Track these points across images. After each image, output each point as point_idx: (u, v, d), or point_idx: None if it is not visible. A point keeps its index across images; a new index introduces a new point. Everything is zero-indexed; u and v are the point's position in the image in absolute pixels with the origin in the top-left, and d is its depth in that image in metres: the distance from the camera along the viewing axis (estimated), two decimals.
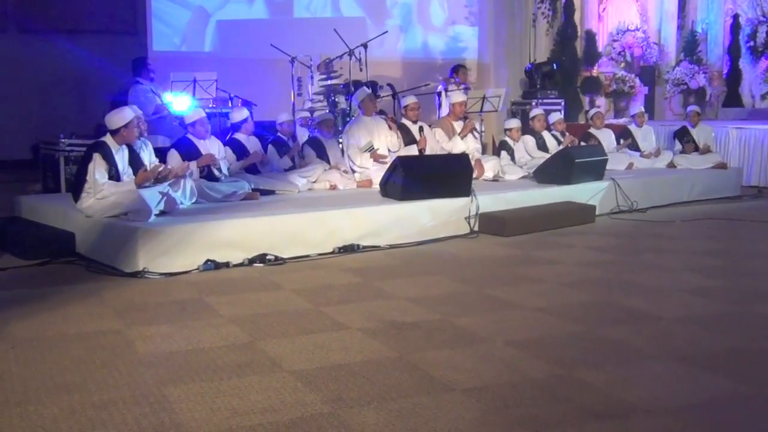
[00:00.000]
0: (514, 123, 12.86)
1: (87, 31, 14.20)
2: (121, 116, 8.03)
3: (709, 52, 20.38)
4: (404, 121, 11.64)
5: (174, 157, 9.14)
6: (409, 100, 11.74)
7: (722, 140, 15.07)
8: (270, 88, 14.56)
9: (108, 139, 8.00)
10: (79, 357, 5.03)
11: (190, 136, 9.53)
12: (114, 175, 7.89)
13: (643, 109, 14.73)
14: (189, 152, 9.30)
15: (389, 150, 11.13)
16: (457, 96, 12.35)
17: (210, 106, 12.00)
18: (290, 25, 16.63)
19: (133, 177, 8.00)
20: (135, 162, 8.27)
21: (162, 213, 8.01)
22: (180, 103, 10.85)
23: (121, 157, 8.06)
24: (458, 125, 12.09)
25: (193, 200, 8.78)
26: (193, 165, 9.11)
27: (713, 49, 20.39)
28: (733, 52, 20.27)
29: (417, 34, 18.41)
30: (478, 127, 12.68)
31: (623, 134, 14.13)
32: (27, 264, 7.79)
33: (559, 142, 12.84)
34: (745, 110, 19.55)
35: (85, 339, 5.42)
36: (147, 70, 11.20)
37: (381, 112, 12.03)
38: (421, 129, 11.43)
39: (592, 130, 13.93)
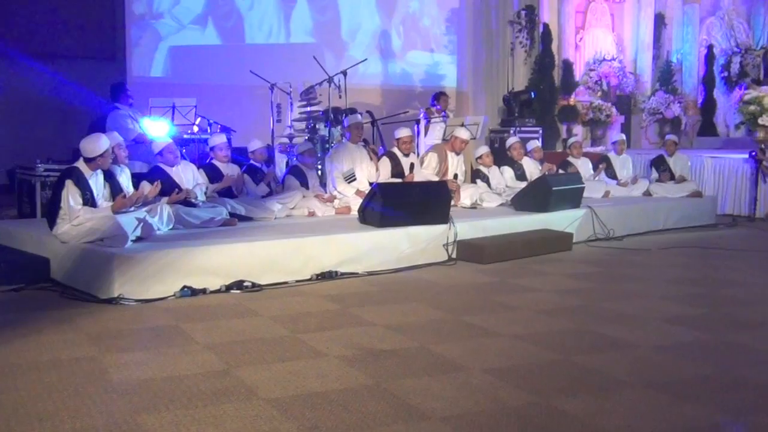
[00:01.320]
0: (483, 150, 12.89)
1: (65, 56, 14.09)
2: (98, 145, 7.97)
3: (684, 82, 20.55)
4: (395, 151, 11.64)
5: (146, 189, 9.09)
6: (403, 132, 11.71)
7: (697, 169, 15.18)
8: (250, 114, 14.54)
9: (81, 164, 7.94)
10: (51, 384, 4.97)
11: (161, 165, 9.49)
12: (89, 200, 7.82)
13: (624, 137, 14.85)
14: (161, 181, 9.14)
15: (369, 183, 11.10)
16: (463, 132, 12.31)
17: (188, 132, 11.95)
18: (266, 52, 16.65)
19: (110, 202, 7.96)
20: (114, 187, 8.24)
21: (138, 239, 7.93)
22: (158, 128, 10.80)
23: (95, 182, 7.99)
24: (452, 156, 12.10)
25: (170, 226, 8.70)
26: (165, 200, 8.93)
27: (688, 79, 20.57)
28: (707, 82, 20.48)
29: (395, 61, 18.45)
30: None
31: (601, 160, 14.20)
32: (0, 290, 7.67)
33: (538, 170, 12.86)
34: (719, 139, 19.70)
35: (59, 366, 5.35)
36: (125, 96, 11.14)
37: (364, 141, 12.01)
38: (411, 166, 11.41)
39: (570, 159, 13.97)
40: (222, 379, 5.12)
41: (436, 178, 11.62)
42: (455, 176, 11.87)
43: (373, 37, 18.20)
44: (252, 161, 10.81)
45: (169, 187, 9.15)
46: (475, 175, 12.67)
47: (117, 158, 8.64)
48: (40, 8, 14.04)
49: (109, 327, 6.41)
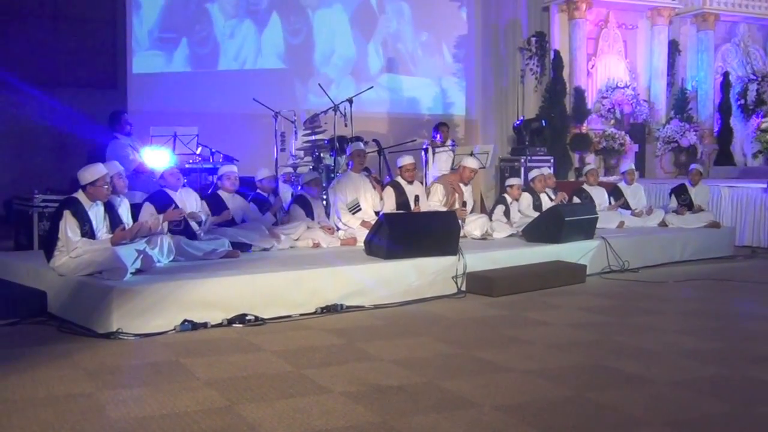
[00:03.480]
0: (516, 181, 12.83)
1: (65, 85, 14.08)
2: (90, 173, 7.90)
3: (700, 110, 20.48)
4: (399, 180, 11.51)
5: (148, 210, 9.05)
6: (406, 160, 11.62)
7: (714, 199, 15.02)
8: (253, 143, 14.48)
9: (80, 195, 7.88)
10: (47, 422, 4.86)
11: (164, 189, 9.43)
12: (88, 232, 7.73)
13: (633, 167, 14.73)
14: (164, 205, 9.16)
15: (374, 212, 11.02)
16: (472, 162, 12.18)
17: (190, 161, 11.86)
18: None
19: (109, 234, 7.86)
20: (113, 219, 8.13)
21: (138, 271, 7.84)
22: (159, 158, 10.71)
23: (95, 213, 7.91)
24: (461, 187, 11.96)
25: (171, 258, 8.63)
26: (159, 221, 8.93)
27: (704, 107, 20.48)
28: (723, 110, 20.35)
29: (403, 89, 18.41)
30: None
31: (614, 193, 14.05)
32: None
33: (551, 199, 12.73)
34: (737, 169, 19.56)
35: (55, 403, 5.24)
36: (123, 125, 11.07)
37: (366, 170, 11.90)
38: (417, 198, 11.26)
39: (585, 186, 13.84)
40: (223, 416, 5.00)
41: (443, 209, 11.47)
42: (464, 204, 11.76)
43: (375, 63, 18.20)
44: (259, 191, 10.72)
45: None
46: (499, 201, 12.56)
47: (116, 188, 8.52)
48: (40, 36, 14.04)
49: (107, 362, 6.31)
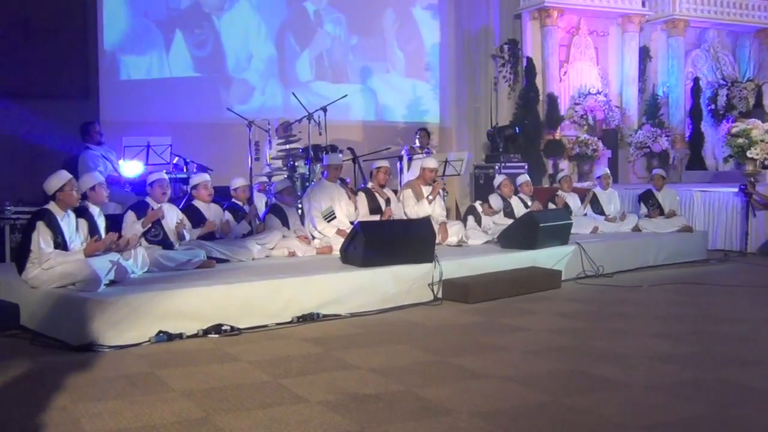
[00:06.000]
0: (502, 179, 12.90)
1: (36, 95, 13.89)
2: (56, 180, 7.86)
3: (671, 115, 20.58)
4: (371, 186, 11.52)
5: (131, 219, 8.99)
6: (382, 163, 11.74)
7: (687, 203, 15.11)
8: (227, 152, 14.42)
9: (52, 206, 7.82)
10: None
11: (148, 199, 9.37)
12: (61, 243, 7.67)
13: (608, 172, 14.79)
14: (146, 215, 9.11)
15: (350, 222, 10.99)
16: (430, 162, 12.25)
17: (163, 172, 11.82)
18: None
19: (83, 245, 7.80)
20: (91, 227, 8.08)
21: (112, 282, 7.78)
22: (131, 168, 10.66)
23: (68, 224, 7.84)
24: (426, 190, 12.01)
25: (145, 269, 8.59)
26: (138, 226, 8.90)
27: (675, 113, 20.59)
28: (694, 115, 20.49)
29: (378, 97, 18.42)
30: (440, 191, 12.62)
31: (587, 195, 14.11)
32: None
33: (527, 206, 12.74)
34: (708, 173, 19.68)
35: (29, 417, 5.15)
36: (94, 135, 10.98)
37: (342, 180, 11.90)
38: (388, 201, 11.31)
39: (560, 193, 13.89)
40: (200, 427, 4.96)
41: (422, 215, 11.48)
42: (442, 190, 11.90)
43: (354, 71, 18.20)
44: (234, 200, 10.69)
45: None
46: (469, 211, 12.58)
47: (97, 198, 8.46)
48: (10, 46, 13.86)
49: (82, 375, 6.25)
